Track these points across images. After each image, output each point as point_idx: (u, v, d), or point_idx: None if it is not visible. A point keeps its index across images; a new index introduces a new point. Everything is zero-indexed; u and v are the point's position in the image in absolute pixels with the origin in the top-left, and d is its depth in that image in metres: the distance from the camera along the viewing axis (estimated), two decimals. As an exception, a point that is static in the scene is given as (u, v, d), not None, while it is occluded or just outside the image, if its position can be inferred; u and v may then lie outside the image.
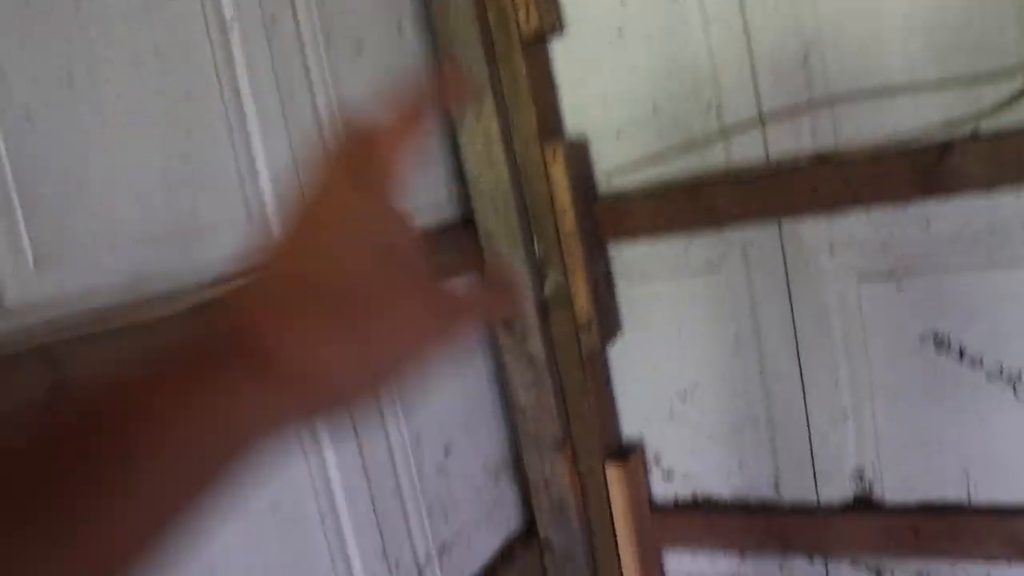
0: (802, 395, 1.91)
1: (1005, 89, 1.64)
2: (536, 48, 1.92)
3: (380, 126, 0.62)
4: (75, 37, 1.29)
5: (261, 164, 1.55)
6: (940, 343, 1.77)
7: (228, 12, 1.52)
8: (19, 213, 1.21)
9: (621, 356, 2.11)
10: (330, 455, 1.62)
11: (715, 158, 1.89)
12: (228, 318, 0.49)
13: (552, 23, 1.90)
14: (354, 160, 0.59)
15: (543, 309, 1.94)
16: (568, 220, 1.90)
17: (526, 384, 1.97)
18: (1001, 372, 1.73)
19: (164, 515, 0.45)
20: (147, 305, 1.34)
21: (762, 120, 1.82)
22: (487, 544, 2.07)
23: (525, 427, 2.00)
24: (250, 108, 1.54)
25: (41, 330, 1.21)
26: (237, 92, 1.53)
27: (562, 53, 2.01)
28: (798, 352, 1.89)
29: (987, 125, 1.65)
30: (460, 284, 0.60)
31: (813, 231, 1.83)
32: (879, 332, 1.82)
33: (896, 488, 1.89)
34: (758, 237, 1.88)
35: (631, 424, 2.13)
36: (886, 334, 1.81)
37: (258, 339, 0.48)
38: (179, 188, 1.41)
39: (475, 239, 1.94)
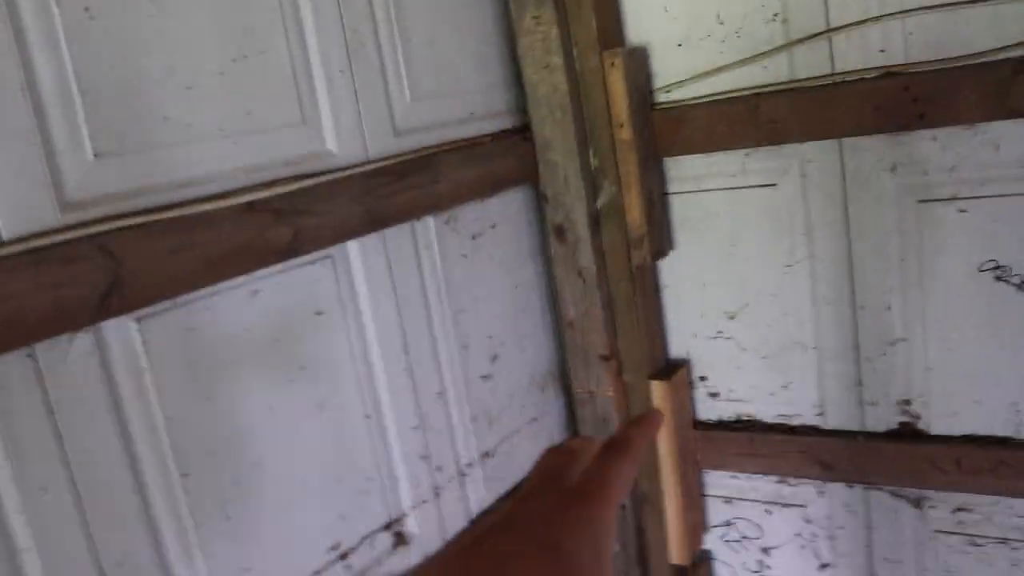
0: (853, 319, 1.90)
1: (1090, 5, 1.57)
2: (599, -46, 1.89)
3: (594, 444, 0.65)
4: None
5: (316, 68, 1.56)
6: (1000, 272, 1.73)
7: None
8: (79, 107, 1.24)
9: (672, 272, 2.11)
10: (375, 353, 1.66)
11: (778, 71, 1.84)
12: None
13: (617, -74, 1.86)
14: (559, 467, 0.62)
15: (595, 221, 1.93)
16: (625, 131, 1.88)
17: (575, 296, 1.98)
18: (1062, 303, 1.70)
19: None
20: (200, 203, 1.37)
21: (829, 31, 1.77)
22: (530, 454, 2.10)
23: (572, 339, 2.01)
24: (307, 10, 1.54)
25: (101, 222, 1.25)
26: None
27: (626, -42, 1.97)
28: (851, 275, 1.87)
29: (1068, 43, 1.59)
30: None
31: (875, 149, 1.79)
32: (938, 258, 1.78)
33: (943, 419, 1.88)
34: (818, 154, 1.85)
35: (679, 341, 2.14)
36: (945, 260, 1.78)
37: None
38: (234, 87, 1.43)
39: (531, 147, 1.94)
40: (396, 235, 1.70)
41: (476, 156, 1.83)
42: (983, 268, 1.75)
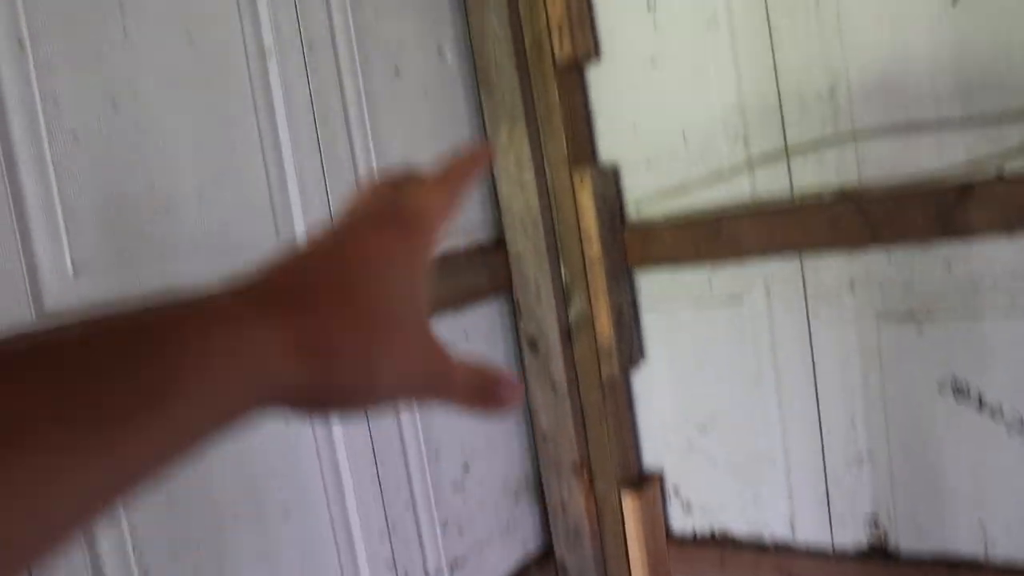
0: (819, 434, 1.92)
1: (1032, 132, 1.64)
2: (570, 75, 1.99)
3: (425, 172, 0.65)
4: (121, 65, 1.42)
5: (292, 186, 1.65)
6: (959, 389, 1.77)
7: (268, 39, 1.63)
8: (62, 224, 1.33)
9: (644, 383, 2.16)
10: (344, 462, 1.70)
11: (740, 190, 1.93)
12: (270, 281, 0.50)
13: (587, 50, 1.97)
14: (398, 185, 0.62)
15: (567, 333, 1.99)
16: (594, 246, 1.95)
17: (548, 407, 2.02)
18: (1022, 423, 1.72)
19: (182, 444, 0.43)
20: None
21: (787, 153, 1.85)
22: (502, 562, 2.12)
23: (545, 449, 2.05)
24: (284, 132, 1.65)
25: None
26: (272, 115, 1.64)
27: (596, 80, 2.08)
28: (816, 390, 1.91)
29: (1012, 166, 1.66)
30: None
31: (834, 268, 1.85)
32: (898, 375, 1.82)
33: (911, 537, 1.90)
34: (780, 271, 1.91)
35: (652, 451, 2.17)
36: (905, 377, 1.82)
37: (294, 309, 0.48)
38: (212, 206, 1.53)
39: (505, 261, 2.01)
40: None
41: (451, 269, 1.90)
42: (943, 385, 1.78)
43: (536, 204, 1.95)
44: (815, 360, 1.91)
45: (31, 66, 1.30)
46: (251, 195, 1.59)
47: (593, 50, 2.01)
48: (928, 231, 1.71)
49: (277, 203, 1.62)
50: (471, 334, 2.00)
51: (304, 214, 1.65)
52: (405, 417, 1.84)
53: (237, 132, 1.58)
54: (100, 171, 1.37)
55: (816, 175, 1.84)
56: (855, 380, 1.87)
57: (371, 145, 1.81)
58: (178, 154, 1.48)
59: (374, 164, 1.81)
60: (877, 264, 1.81)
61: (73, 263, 1.32)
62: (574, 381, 2.01)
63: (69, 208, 1.32)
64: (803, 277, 1.89)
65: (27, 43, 1.30)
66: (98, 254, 1.36)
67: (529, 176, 1.95)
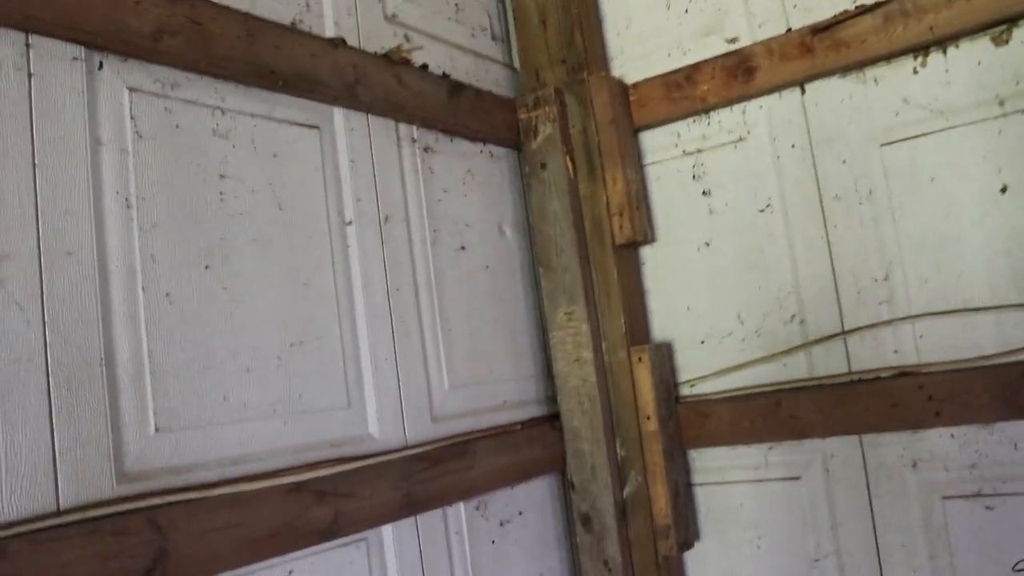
0: (882, 614, 1.85)
1: (1087, 315, 1.67)
2: (627, 256, 2.03)
3: None
4: (215, 228, 1.42)
5: (365, 355, 1.63)
6: (1032, 570, 1.71)
7: (349, 212, 1.65)
8: (148, 384, 1.31)
9: (698, 564, 2.07)
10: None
11: (797, 368, 1.92)
12: None
13: (644, 233, 2.01)
14: None
15: (622, 510, 1.93)
16: (651, 422, 1.93)
17: (602, 587, 1.93)
18: (1098, 605, 1.66)
19: None
20: (249, 480, 1.39)
21: (844, 333, 1.86)
22: None
23: (600, 633, 1.95)
24: (360, 300, 1.64)
25: (153, 496, 1.26)
26: (350, 284, 1.64)
27: (651, 262, 2.11)
28: (881, 572, 1.84)
29: (1070, 350, 1.68)
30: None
31: (895, 446, 1.83)
32: (968, 555, 1.77)
33: None
34: (839, 448, 1.89)
35: (706, 637, 2.06)
36: (975, 558, 1.76)
37: None
38: (291, 371, 1.49)
39: (560, 436, 1.97)
40: (429, 520, 1.70)
41: (508, 444, 1.86)
42: (1018, 568, 1.73)
43: (593, 380, 1.94)
44: (878, 538, 1.84)
45: (135, 225, 1.31)
46: (327, 362, 1.56)
47: (649, 233, 2.06)
48: (992, 410, 1.71)
49: (350, 372, 1.60)
50: (526, 511, 1.94)
51: (375, 384, 1.63)
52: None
53: (317, 298, 1.57)
54: (189, 331, 1.36)
55: (874, 355, 1.85)
56: (922, 559, 1.80)
57: (438, 320, 1.81)
58: (263, 317, 1.47)
59: (439, 336, 1.81)
60: (941, 443, 1.78)
61: (156, 423, 1.29)
62: (628, 560, 1.93)
63: (157, 367, 1.30)
64: (863, 454, 1.86)
65: (134, 202, 1.32)
66: (180, 415, 1.32)
67: (587, 353, 1.94)
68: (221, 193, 1.45)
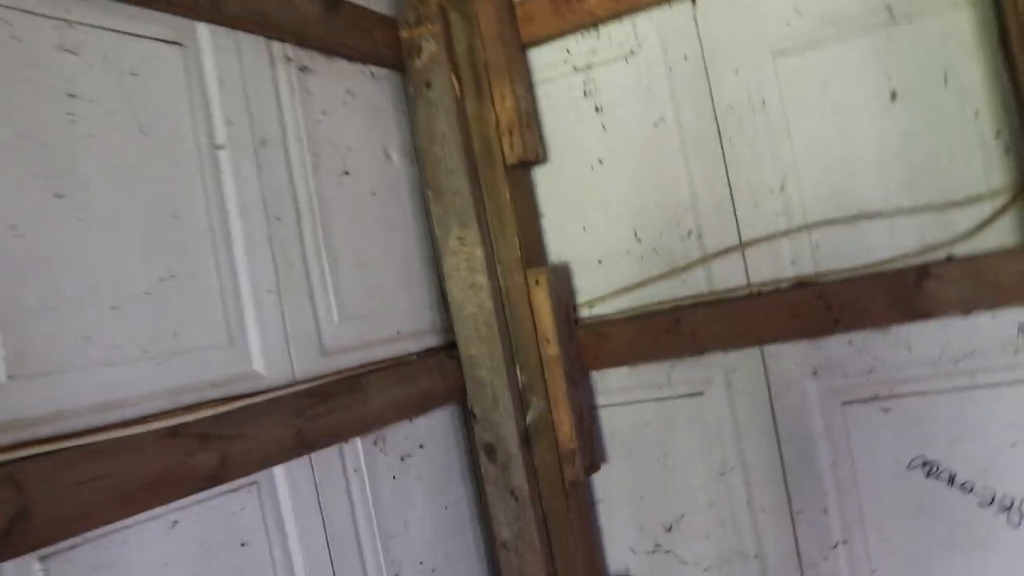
0: (791, 524, 1.80)
1: (976, 214, 1.63)
2: (519, 177, 1.90)
3: None
4: (66, 153, 1.23)
5: (245, 289, 1.47)
6: (929, 468, 1.69)
7: (220, 136, 1.47)
8: (-7, 325, 1.12)
9: (606, 486, 2.00)
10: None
11: (696, 285, 1.85)
12: None
13: (535, 151, 1.88)
14: None
15: (525, 438, 1.83)
16: (551, 346, 1.82)
17: (508, 516, 1.84)
18: (992, 499, 1.65)
19: None
20: (120, 427, 1.22)
21: (742, 246, 1.79)
22: None
23: (507, 560, 1.85)
24: (237, 230, 1.48)
25: (8, 450, 1.09)
26: (224, 213, 1.47)
27: (544, 183, 1.99)
28: (785, 480, 1.80)
29: (961, 249, 1.64)
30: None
31: (796, 356, 1.77)
32: (867, 458, 1.74)
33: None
34: (741, 362, 1.83)
35: (618, 557, 2.00)
36: (874, 460, 1.74)
37: None
38: (163, 308, 1.32)
39: (458, 365, 1.85)
40: (324, 459, 1.57)
41: (403, 376, 1.73)
42: (912, 465, 1.70)
43: (490, 306, 1.81)
44: (781, 447, 1.80)
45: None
46: (203, 298, 1.40)
47: (541, 152, 1.93)
48: (889, 314, 1.66)
49: (230, 307, 1.44)
50: (427, 444, 1.82)
51: (257, 319, 1.47)
52: (364, 535, 1.62)
53: (188, 229, 1.40)
54: (41, 264, 1.17)
55: (772, 267, 1.78)
56: (824, 466, 1.76)
57: (323, 251, 1.65)
58: (127, 249, 1.29)
59: (326, 267, 1.65)
60: (839, 349, 1.73)
61: (7, 370, 1.11)
62: (535, 488, 1.84)
63: (4, 305, 1.12)
64: (764, 366, 1.80)
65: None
66: (35, 360, 1.15)
67: (482, 278, 1.82)
68: (71, 114, 1.25)
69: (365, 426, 1.64)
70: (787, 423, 1.81)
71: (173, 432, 1.28)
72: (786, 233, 1.76)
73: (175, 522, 1.30)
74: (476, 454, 1.89)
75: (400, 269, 1.86)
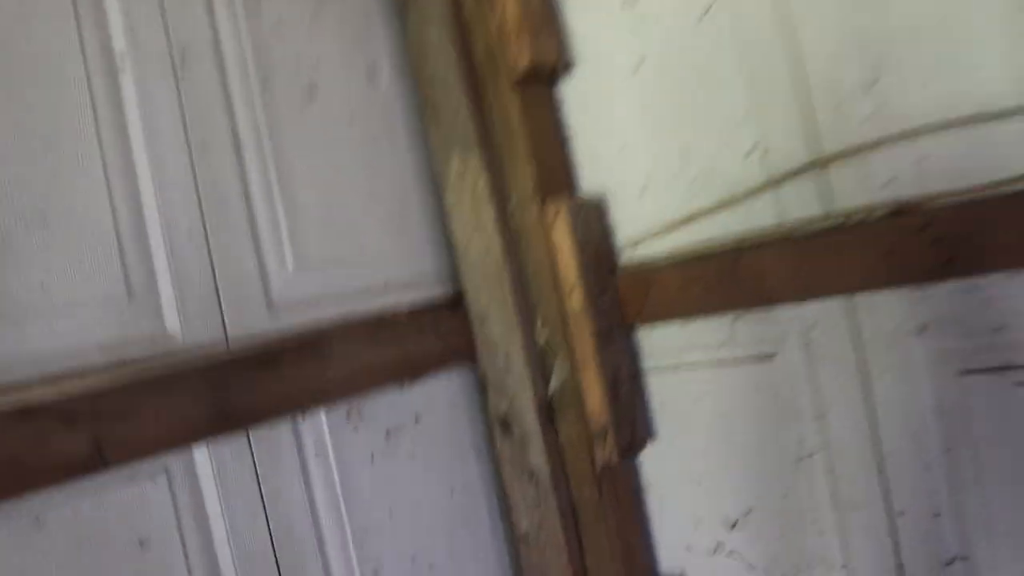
0: (890, 529, 1.36)
1: None
2: (534, 89, 1.51)
3: None
4: None
5: (153, 230, 1.19)
6: (1084, 464, 1.20)
7: (119, 48, 1.18)
8: None
9: (656, 468, 1.61)
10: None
11: (762, 216, 1.40)
12: None
13: (553, 58, 1.48)
14: None
15: (547, 410, 1.47)
16: (575, 297, 1.45)
17: (528, 504, 1.50)
18: None
19: None
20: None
21: (821, 164, 1.33)
22: None
23: (528, 557, 1.52)
24: (142, 162, 1.19)
25: None
26: (125, 142, 1.18)
27: (573, 98, 1.59)
28: (882, 470, 1.35)
29: None
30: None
31: (895, 308, 1.31)
32: (996, 446, 1.26)
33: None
34: (822, 316, 1.37)
35: (670, 556, 1.61)
36: (1007, 449, 1.25)
37: None
38: (29, 256, 1.06)
39: (465, 321, 1.51)
40: (268, 438, 1.27)
41: (387, 334, 1.41)
42: (1058, 460, 1.22)
43: (499, 248, 1.46)
44: (878, 428, 1.36)
45: None
46: (88, 242, 1.13)
47: (561, 58, 1.53)
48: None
49: (130, 254, 1.16)
50: (424, 416, 1.50)
51: (172, 266, 1.19)
52: (327, 528, 1.33)
53: (69, 162, 1.12)
54: None
55: (862, 190, 1.32)
56: (935, 454, 1.30)
57: (275, 183, 1.35)
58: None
59: (278, 202, 1.35)
60: (956, 300, 1.27)
61: None
62: (560, 471, 1.49)
63: None
64: (855, 322, 1.36)
65: None
66: None
67: (488, 215, 1.46)
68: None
69: (328, 396, 1.34)
70: (885, 396, 1.34)
71: (24, 411, 1.04)
72: (880, 144, 1.28)
73: (37, 519, 1.06)
74: (491, 429, 1.56)
75: (389, 207, 1.52)
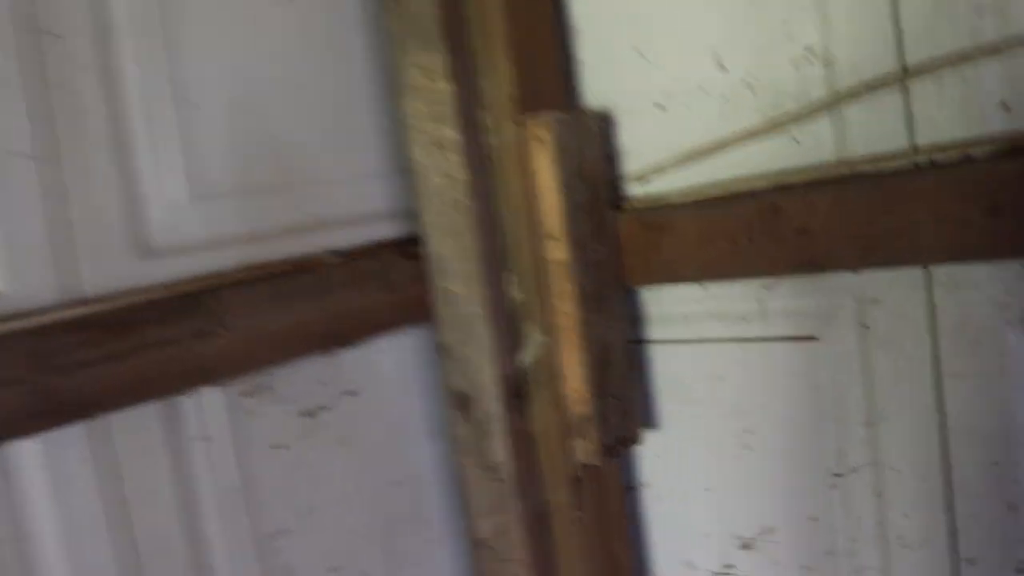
0: (950, 551, 1.01)
1: None
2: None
3: None
4: None
5: None
6: None
7: None
8: None
9: (656, 465, 1.26)
10: None
11: (819, 147, 1.02)
12: None
13: (547, -78, 1.10)
14: None
15: (516, 388, 1.14)
16: (557, 246, 1.09)
17: (490, 503, 1.17)
18: None
19: None
20: None
21: (905, 77, 0.95)
22: None
23: (486, 569, 1.21)
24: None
25: None
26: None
27: (574, -23, 1.20)
28: (950, 501, 1.00)
29: None
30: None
31: (991, 286, 0.94)
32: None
33: None
34: (888, 291, 1.00)
35: (669, 572, 1.29)
36: None
37: None
38: None
39: (418, 269, 1.17)
40: (133, 424, 0.95)
41: (307, 287, 1.07)
42: None
43: (465, 176, 1.10)
44: (949, 444, 1.01)
45: None
46: None
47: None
48: None
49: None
50: (362, 391, 1.18)
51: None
52: (216, 536, 1.03)
53: None
54: None
55: (959, 116, 0.94)
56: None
57: (163, 84, 1.01)
58: None
59: (168, 110, 1.01)
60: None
61: None
62: (528, 466, 1.16)
63: None
64: (930, 300, 0.99)
65: None
66: None
67: (452, 131, 1.09)
68: None
69: (221, 370, 1.01)
70: (964, 404, 0.99)
71: None
72: (993, 51, 0.89)
73: None
74: (446, 408, 1.23)
75: (329, 116, 1.14)
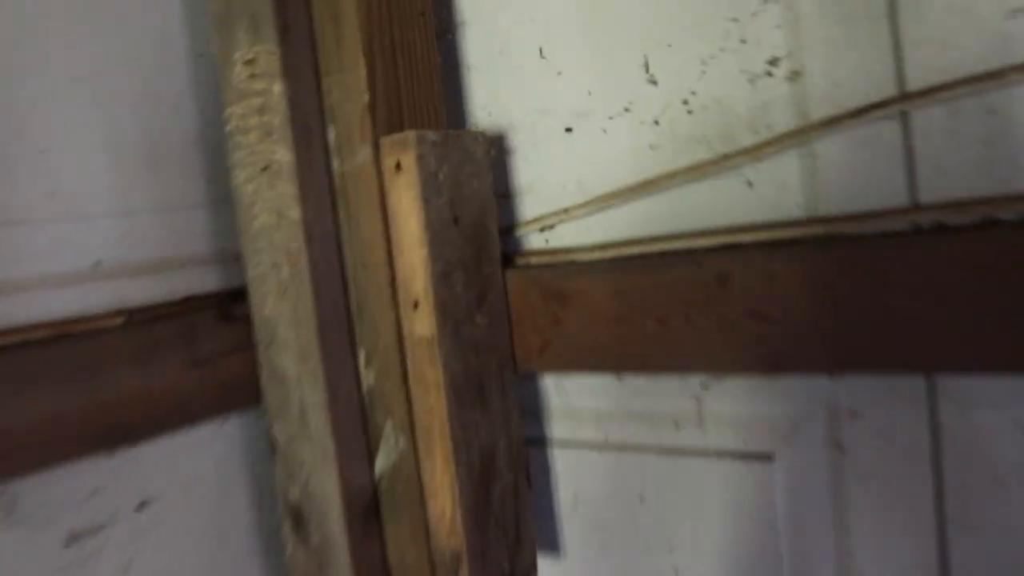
0: None
1: None
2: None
3: None
4: None
5: None
6: None
7: None
8: None
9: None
10: None
11: (782, 196, 0.73)
12: None
13: None
14: None
15: (367, 506, 0.84)
16: (424, 317, 0.80)
17: (329, 657, 0.88)
18: None
19: None
20: None
21: (903, 100, 0.67)
22: None
23: None
24: None
25: None
26: None
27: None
28: None
29: None
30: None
31: (1015, 398, 0.65)
32: None
33: None
34: (875, 401, 0.71)
35: None
36: None
37: None
38: None
39: (242, 334, 0.87)
40: None
41: (75, 360, 0.77)
42: None
43: (301, 216, 0.81)
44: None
45: None
46: None
47: None
48: None
49: None
50: (159, 500, 0.87)
51: None
52: None
53: None
54: None
55: (976, 158, 0.65)
56: None
57: None
58: None
59: None
60: None
61: None
62: (389, 606, 0.87)
63: None
64: (930, 415, 0.70)
65: None
66: None
67: (285, 152, 0.80)
68: None
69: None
70: (978, 565, 0.71)
71: None
72: (1008, 73, 0.62)
73: None
74: (280, 523, 0.93)
75: (130, 121, 0.86)
